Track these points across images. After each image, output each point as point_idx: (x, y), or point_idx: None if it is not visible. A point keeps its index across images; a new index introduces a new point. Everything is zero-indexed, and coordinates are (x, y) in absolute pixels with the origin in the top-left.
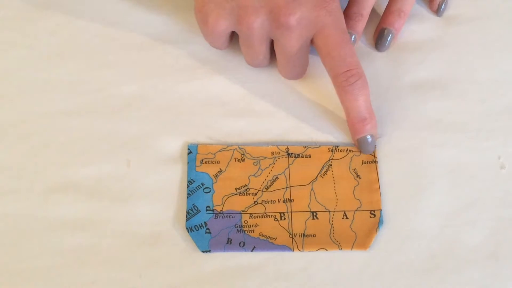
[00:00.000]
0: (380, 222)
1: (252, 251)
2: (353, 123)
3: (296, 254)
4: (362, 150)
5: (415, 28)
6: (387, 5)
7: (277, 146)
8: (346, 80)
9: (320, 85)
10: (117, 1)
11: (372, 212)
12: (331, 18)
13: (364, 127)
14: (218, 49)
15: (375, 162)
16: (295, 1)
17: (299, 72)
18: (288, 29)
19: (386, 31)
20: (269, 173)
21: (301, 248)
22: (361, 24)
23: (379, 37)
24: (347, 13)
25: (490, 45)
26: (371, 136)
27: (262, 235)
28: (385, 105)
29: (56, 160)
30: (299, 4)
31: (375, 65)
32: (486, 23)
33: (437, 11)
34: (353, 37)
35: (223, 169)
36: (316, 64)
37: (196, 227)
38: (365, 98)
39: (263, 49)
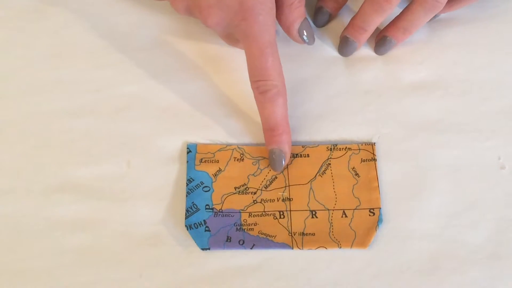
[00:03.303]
0: (379, 221)
1: (251, 249)
2: (264, 131)
3: (296, 254)
4: (270, 164)
5: None
6: (394, 18)
7: None
8: (257, 88)
9: (318, 84)
10: (118, 1)
11: (371, 210)
12: (253, 30)
13: (274, 138)
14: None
15: (374, 160)
16: (216, 5)
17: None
18: (210, 28)
19: (388, 39)
20: (268, 172)
21: (301, 246)
22: (364, 37)
23: (380, 43)
24: (352, 22)
25: (490, 45)
26: (281, 150)
27: (262, 233)
28: (385, 105)
29: (56, 160)
30: (219, 9)
31: (375, 65)
32: (486, 23)
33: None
34: (355, 45)
35: (222, 168)
36: (315, 64)
37: (195, 225)
38: (278, 109)
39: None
